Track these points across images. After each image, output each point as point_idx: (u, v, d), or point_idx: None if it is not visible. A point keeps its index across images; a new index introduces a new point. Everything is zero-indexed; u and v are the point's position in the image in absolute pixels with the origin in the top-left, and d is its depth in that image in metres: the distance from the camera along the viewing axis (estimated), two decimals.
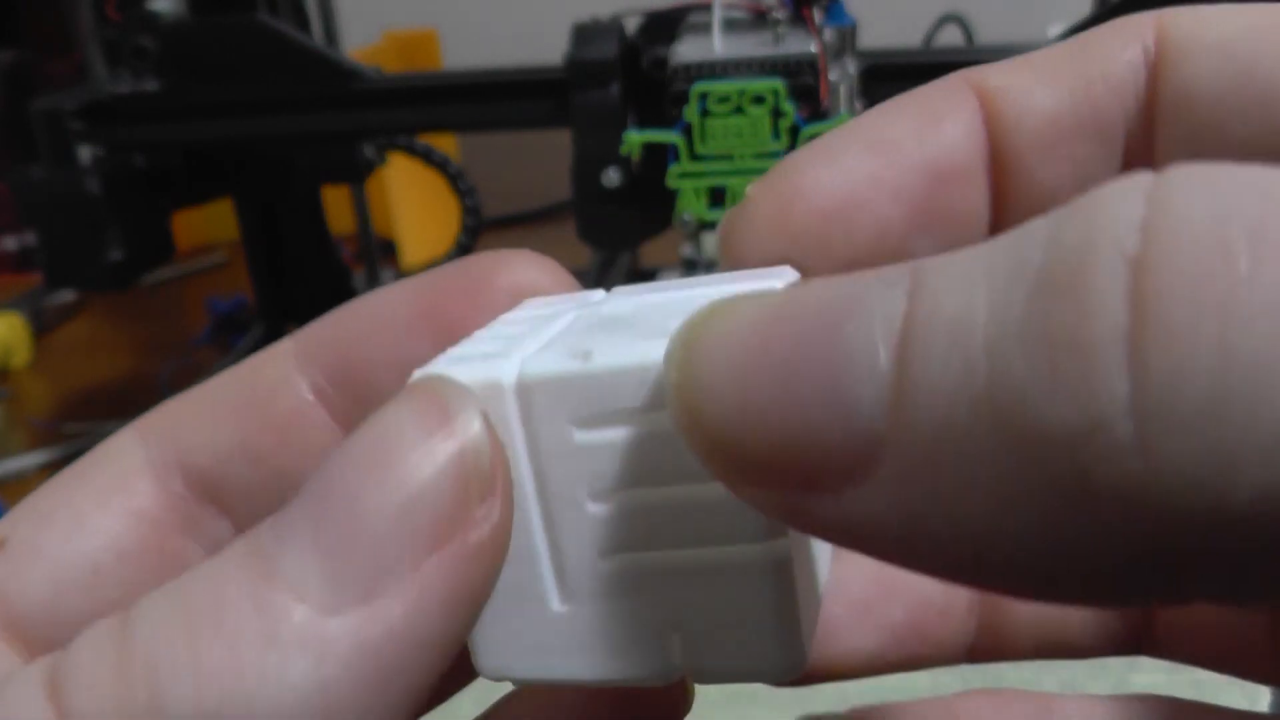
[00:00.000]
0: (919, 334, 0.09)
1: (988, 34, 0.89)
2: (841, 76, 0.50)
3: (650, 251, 0.67)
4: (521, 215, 0.96)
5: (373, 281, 0.78)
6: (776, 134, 0.48)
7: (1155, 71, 0.15)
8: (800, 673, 0.13)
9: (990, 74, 0.15)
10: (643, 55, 0.53)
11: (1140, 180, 0.09)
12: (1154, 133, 0.15)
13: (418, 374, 0.13)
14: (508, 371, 0.13)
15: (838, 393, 0.10)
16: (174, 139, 0.63)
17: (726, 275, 0.15)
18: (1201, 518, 0.08)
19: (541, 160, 0.68)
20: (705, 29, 0.51)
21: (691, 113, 0.48)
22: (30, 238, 0.91)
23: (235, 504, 0.16)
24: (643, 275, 0.70)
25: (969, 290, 0.09)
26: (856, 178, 0.15)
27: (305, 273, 0.72)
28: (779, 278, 0.14)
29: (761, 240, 0.15)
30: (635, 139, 0.50)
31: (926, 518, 0.09)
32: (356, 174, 0.71)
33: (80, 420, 0.70)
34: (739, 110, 0.48)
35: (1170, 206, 0.08)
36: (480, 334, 0.15)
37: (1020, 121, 0.15)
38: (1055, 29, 0.67)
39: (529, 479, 0.13)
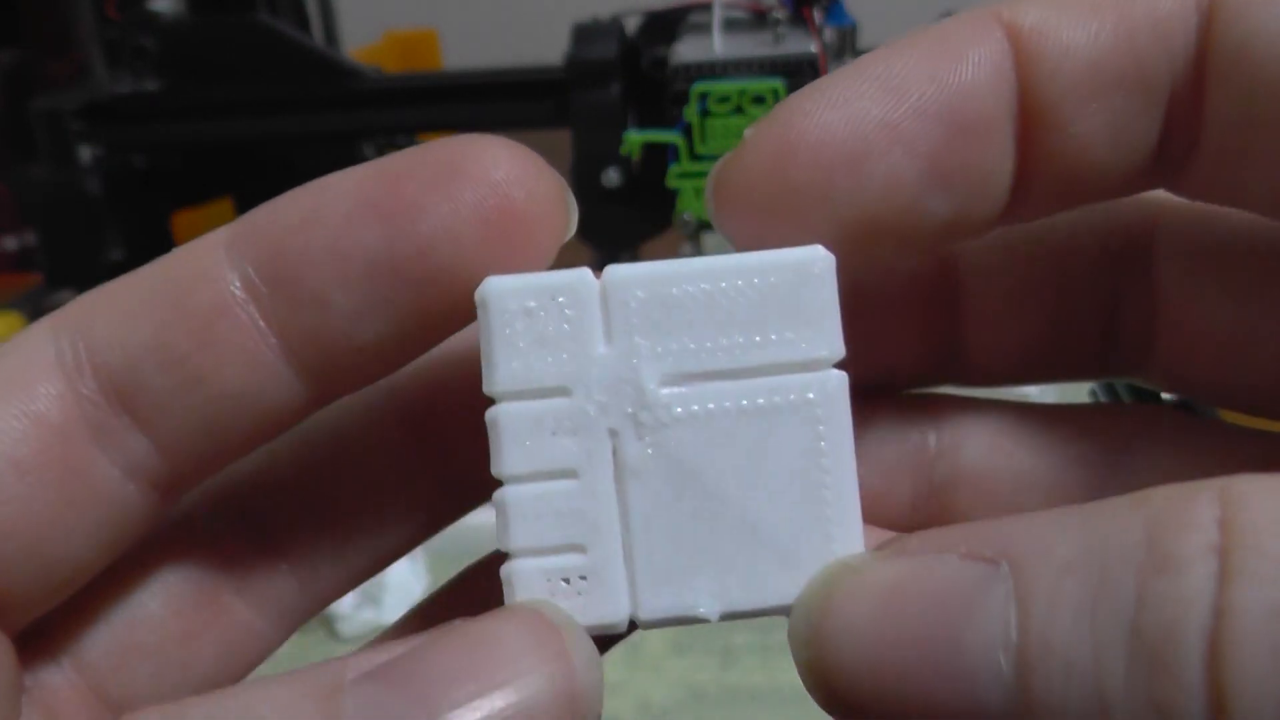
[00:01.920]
0: (1036, 657, 0.11)
1: None
2: None
3: (650, 251, 0.67)
4: None
5: None
6: None
7: (1209, 18, 0.13)
8: None
9: (1024, 11, 0.14)
10: (643, 55, 0.53)
11: (1209, 529, 0.10)
12: (1203, 90, 0.13)
13: (521, 597, 0.13)
14: (623, 611, 0.13)
15: (966, 695, 0.11)
16: (174, 139, 0.63)
17: (751, 261, 0.13)
18: None
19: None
20: (705, 29, 0.51)
21: (691, 113, 0.48)
22: (30, 238, 0.91)
23: (151, 415, 0.14)
24: None
25: (1076, 629, 0.11)
26: (867, 124, 0.13)
27: None
28: (810, 258, 0.13)
29: (758, 193, 0.14)
30: (635, 139, 0.50)
31: None
32: None
33: None
34: (739, 110, 0.48)
35: (1236, 595, 0.10)
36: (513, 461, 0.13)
37: (1058, 68, 0.13)
38: None
39: None
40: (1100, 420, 0.16)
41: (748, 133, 0.14)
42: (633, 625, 0.13)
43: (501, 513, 0.13)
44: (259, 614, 0.15)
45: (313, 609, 0.16)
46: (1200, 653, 0.10)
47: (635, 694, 0.37)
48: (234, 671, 0.15)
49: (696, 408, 0.13)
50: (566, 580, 0.13)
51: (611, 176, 0.52)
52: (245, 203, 0.74)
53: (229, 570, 0.15)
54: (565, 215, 0.14)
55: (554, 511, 0.13)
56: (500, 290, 0.13)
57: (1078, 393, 0.48)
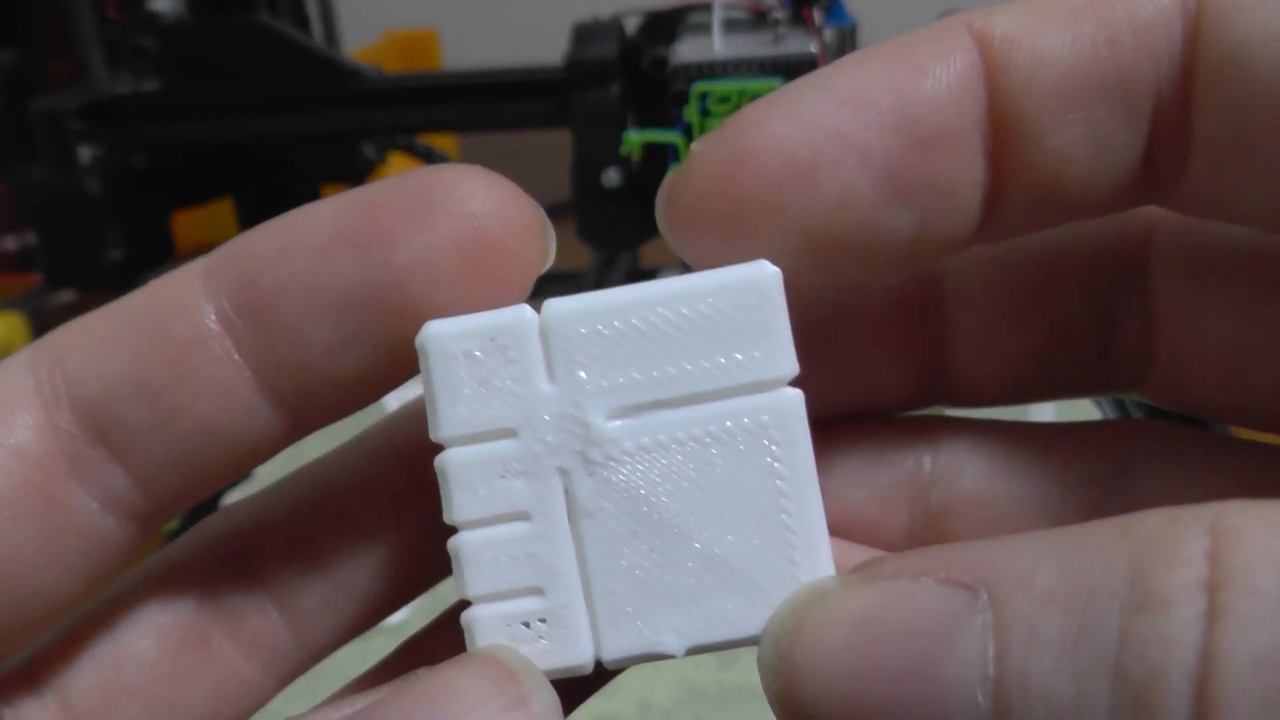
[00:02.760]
0: (1014, 695, 0.10)
1: None
2: None
3: (650, 251, 0.67)
4: None
5: None
6: None
7: (1196, 24, 0.12)
8: None
9: (995, 19, 0.13)
10: (643, 55, 0.53)
11: (1198, 563, 0.10)
12: (1191, 101, 0.13)
13: (482, 644, 0.13)
14: (586, 653, 0.13)
15: None
16: (174, 139, 0.63)
17: (694, 283, 0.13)
18: None
19: (541, 160, 0.68)
20: (705, 29, 0.51)
21: (691, 113, 0.48)
22: (30, 238, 0.91)
23: (128, 447, 0.13)
24: (642, 275, 0.70)
25: (1057, 667, 0.10)
26: (819, 135, 0.13)
27: None
28: (756, 275, 0.13)
29: (707, 207, 0.13)
30: (635, 139, 0.50)
31: None
32: (356, 174, 0.71)
33: None
34: (739, 110, 0.48)
35: (1224, 639, 0.10)
36: (461, 500, 0.13)
37: (1031, 78, 0.13)
38: None
39: None
40: (1100, 438, 0.16)
41: (695, 146, 0.14)
42: (600, 668, 0.13)
43: (457, 560, 0.13)
44: (250, 660, 0.15)
45: (306, 661, 0.16)
46: (1187, 699, 0.10)
47: (635, 694, 0.37)
48: (223, 717, 0.15)
49: (647, 440, 0.13)
50: (527, 624, 0.13)
51: (611, 176, 0.52)
52: (245, 203, 0.74)
53: (221, 613, 0.15)
54: (543, 246, 0.14)
55: (509, 556, 0.13)
56: (439, 335, 0.13)
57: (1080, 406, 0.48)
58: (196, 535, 0.16)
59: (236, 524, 0.16)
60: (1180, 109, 0.13)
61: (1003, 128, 0.13)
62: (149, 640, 0.15)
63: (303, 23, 0.73)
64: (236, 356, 0.13)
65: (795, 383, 0.13)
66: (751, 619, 0.13)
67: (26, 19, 0.91)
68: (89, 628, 0.15)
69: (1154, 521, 0.11)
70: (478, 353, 0.13)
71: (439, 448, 0.13)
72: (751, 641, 0.13)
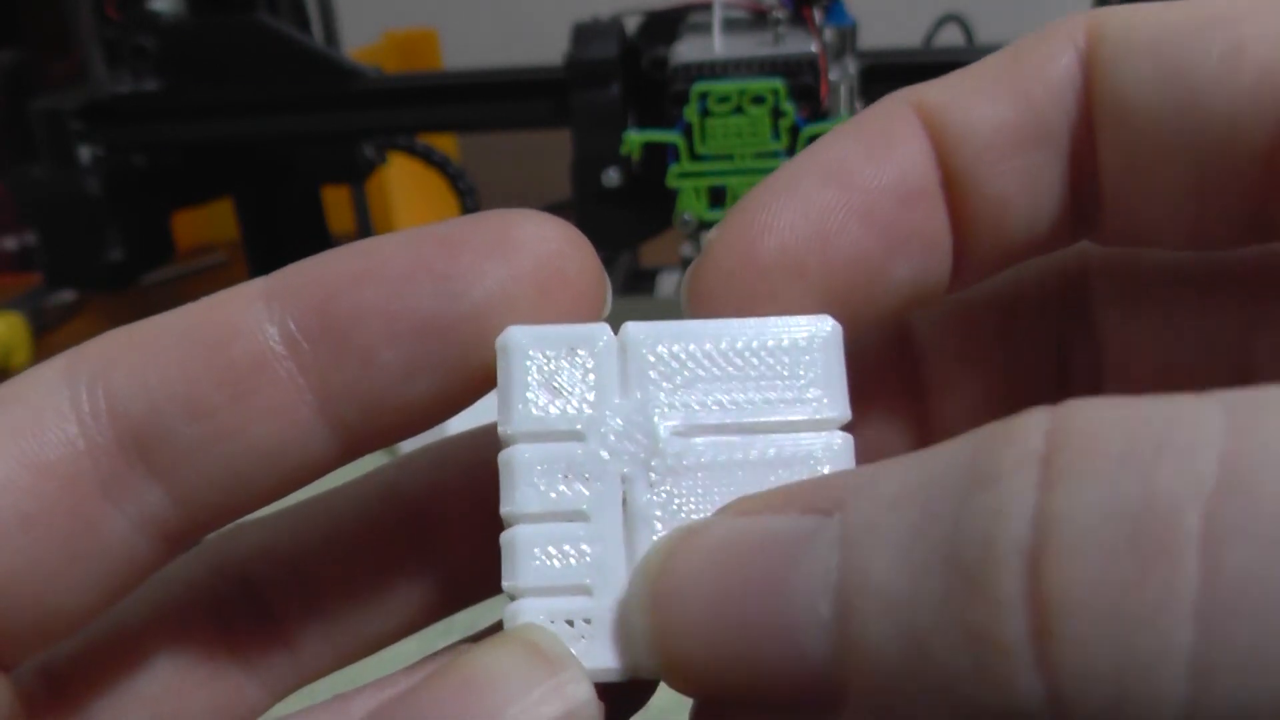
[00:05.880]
0: (853, 597, 0.10)
1: (988, 34, 0.89)
2: (841, 76, 0.50)
3: (650, 251, 0.67)
4: None
5: None
6: (776, 134, 0.48)
7: (1089, 75, 0.14)
8: None
9: (927, 91, 0.15)
10: (643, 55, 0.53)
11: (1034, 439, 0.10)
12: (1095, 139, 0.14)
13: (520, 621, 0.13)
14: (624, 660, 0.13)
15: (790, 642, 0.11)
16: (174, 139, 0.63)
17: (764, 325, 0.14)
18: None
19: (541, 160, 0.68)
20: (705, 29, 0.51)
21: (691, 113, 0.48)
22: (30, 238, 0.91)
23: (171, 467, 0.13)
24: (642, 275, 0.70)
25: (893, 560, 0.10)
26: (820, 207, 0.14)
27: None
28: (820, 325, 0.14)
29: (731, 284, 0.14)
30: (635, 139, 0.50)
31: None
32: (356, 174, 0.71)
33: None
34: (739, 110, 0.48)
35: (1061, 499, 0.09)
36: (520, 485, 0.13)
37: (965, 136, 0.14)
38: None
39: None
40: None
41: (710, 236, 0.15)
42: (640, 682, 0.13)
43: (509, 552, 0.13)
44: (249, 678, 0.16)
45: (303, 681, 0.16)
46: (1018, 567, 0.09)
47: None
48: None
49: (706, 459, 0.13)
50: (570, 623, 0.13)
51: (611, 176, 0.52)
52: (245, 203, 0.74)
53: (225, 632, 0.16)
54: (604, 291, 0.14)
55: (562, 553, 0.13)
56: (520, 338, 0.13)
57: None
58: (207, 554, 0.16)
59: (244, 548, 0.16)
60: (1089, 151, 0.14)
61: (951, 183, 0.15)
62: (160, 652, 0.16)
63: (303, 23, 0.73)
64: (300, 380, 0.13)
65: (846, 429, 0.14)
66: None
67: (26, 19, 0.91)
68: (105, 635, 0.15)
69: (999, 421, 0.10)
70: (556, 359, 0.14)
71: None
72: None
